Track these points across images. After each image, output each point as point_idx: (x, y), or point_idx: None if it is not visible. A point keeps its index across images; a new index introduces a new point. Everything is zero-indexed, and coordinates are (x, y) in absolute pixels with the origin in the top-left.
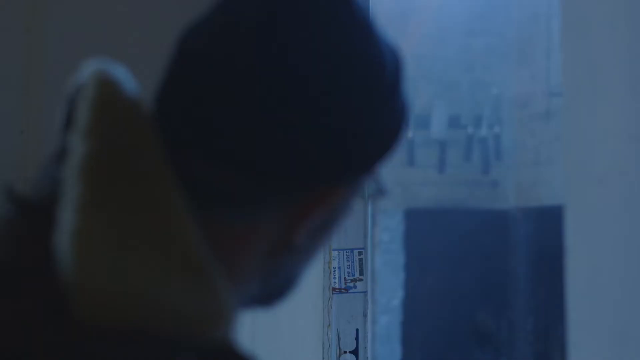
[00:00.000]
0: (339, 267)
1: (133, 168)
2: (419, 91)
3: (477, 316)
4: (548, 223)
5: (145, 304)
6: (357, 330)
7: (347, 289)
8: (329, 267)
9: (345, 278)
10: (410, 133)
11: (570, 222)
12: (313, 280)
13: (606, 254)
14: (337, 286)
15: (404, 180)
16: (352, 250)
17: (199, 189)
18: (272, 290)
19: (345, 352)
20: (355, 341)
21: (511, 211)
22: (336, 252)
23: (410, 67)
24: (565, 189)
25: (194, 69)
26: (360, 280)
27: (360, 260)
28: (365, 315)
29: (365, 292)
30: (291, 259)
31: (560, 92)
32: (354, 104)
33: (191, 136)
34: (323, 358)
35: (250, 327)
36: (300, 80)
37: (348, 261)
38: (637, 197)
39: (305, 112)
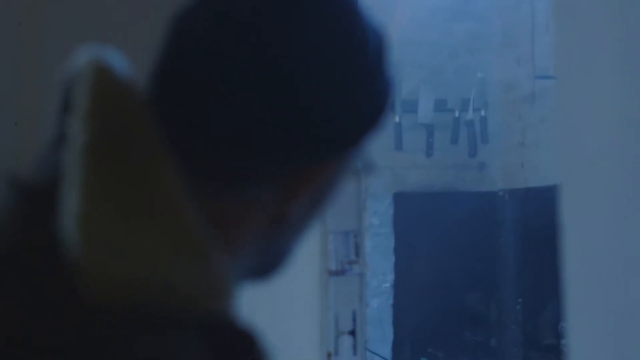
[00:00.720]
0: (335, 250)
1: (132, 151)
2: (405, 76)
3: (466, 298)
4: (535, 204)
5: (149, 284)
6: (354, 311)
7: (343, 272)
8: (325, 250)
9: (341, 261)
10: (397, 118)
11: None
12: (309, 263)
13: (601, 233)
14: (333, 269)
15: (393, 165)
16: (347, 232)
17: (196, 167)
18: (267, 262)
19: (343, 333)
20: (352, 322)
21: (498, 193)
22: (332, 235)
23: (396, 53)
24: (559, 169)
25: (188, 50)
26: (356, 262)
27: (356, 242)
28: (361, 297)
29: (361, 274)
30: (285, 232)
31: (545, 75)
32: (340, 80)
33: (187, 116)
34: (322, 339)
35: (248, 311)
36: (288, 59)
37: (344, 244)
38: (630, 177)
39: (295, 89)
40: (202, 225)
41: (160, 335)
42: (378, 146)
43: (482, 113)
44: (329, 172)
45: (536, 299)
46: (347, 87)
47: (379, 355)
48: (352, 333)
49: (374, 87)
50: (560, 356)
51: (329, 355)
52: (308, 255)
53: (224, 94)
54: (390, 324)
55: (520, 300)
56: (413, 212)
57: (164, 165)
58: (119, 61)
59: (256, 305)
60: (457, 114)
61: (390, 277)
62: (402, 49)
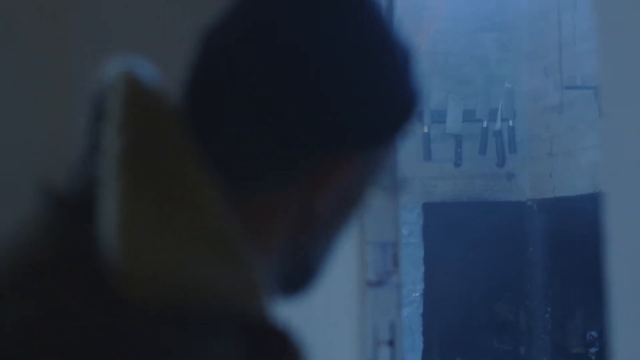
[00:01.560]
0: (373, 261)
1: (166, 159)
2: (434, 87)
3: (495, 307)
4: (563, 214)
5: (186, 286)
6: (391, 321)
7: (381, 282)
8: (364, 260)
9: (379, 271)
10: (426, 128)
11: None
12: (348, 273)
13: None
14: (372, 279)
15: (421, 175)
16: (385, 243)
17: (225, 167)
18: (300, 268)
19: (381, 343)
20: (390, 332)
21: (527, 203)
22: (369, 246)
23: (424, 64)
24: (603, 177)
25: (218, 54)
26: (394, 273)
27: (393, 253)
28: (398, 307)
29: (398, 285)
30: (315, 232)
31: (573, 85)
32: (368, 77)
33: (217, 117)
34: (360, 349)
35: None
36: (316, 55)
37: (381, 254)
38: None
39: (322, 83)
40: (236, 227)
41: (197, 336)
42: (407, 156)
43: (510, 123)
44: (355, 169)
45: (565, 307)
46: (375, 85)
47: None
48: (390, 343)
49: (401, 87)
50: None
51: None
52: (347, 266)
53: (252, 87)
54: (419, 333)
55: (549, 309)
56: (442, 222)
57: (198, 171)
58: (149, 71)
59: (296, 315)
60: (485, 124)
61: (420, 286)
62: (430, 60)
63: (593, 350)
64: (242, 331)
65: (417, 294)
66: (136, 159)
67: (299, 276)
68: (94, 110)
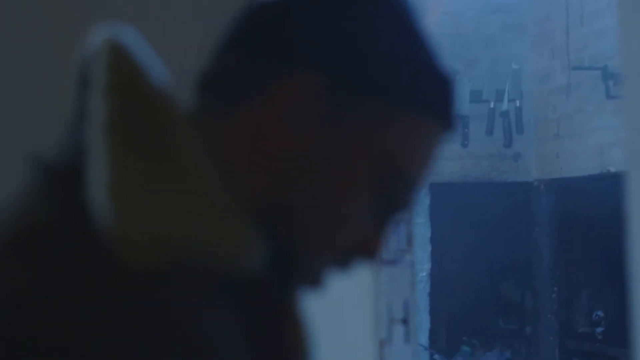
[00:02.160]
0: (388, 239)
1: (152, 122)
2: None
3: (501, 287)
4: (570, 195)
5: (178, 245)
6: (405, 300)
7: (395, 260)
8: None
9: (394, 250)
10: None
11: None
12: None
13: None
14: (386, 258)
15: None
16: (400, 223)
17: (204, 91)
18: (285, 250)
19: (395, 321)
20: (404, 311)
21: (534, 183)
22: None
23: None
24: (625, 157)
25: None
26: (408, 251)
27: (407, 231)
28: (412, 286)
29: (412, 263)
30: (289, 173)
31: (580, 66)
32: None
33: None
34: (375, 327)
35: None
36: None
37: (395, 233)
38: None
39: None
40: (223, 185)
41: (192, 294)
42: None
43: (517, 104)
44: (313, 95)
45: (571, 287)
46: (376, 28)
47: (418, 344)
48: (404, 321)
49: (404, 48)
50: (596, 344)
51: (381, 343)
52: None
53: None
54: (427, 312)
55: (555, 289)
56: (449, 202)
57: (184, 133)
58: (134, 38)
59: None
60: (492, 105)
61: (427, 266)
62: (437, 42)
63: (599, 329)
64: (236, 287)
65: (424, 274)
66: (122, 123)
67: (284, 259)
68: (80, 77)
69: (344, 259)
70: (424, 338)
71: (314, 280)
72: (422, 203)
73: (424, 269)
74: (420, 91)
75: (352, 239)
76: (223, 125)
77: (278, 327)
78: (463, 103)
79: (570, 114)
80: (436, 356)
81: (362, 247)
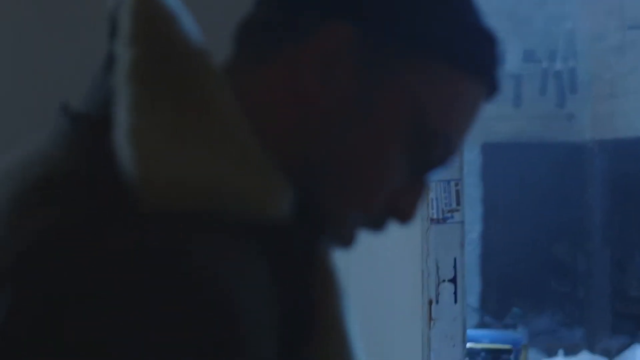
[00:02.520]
0: (436, 198)
1: (176, 66)
2: (493, 27)
3: (553, 249)
4: (624, 155)
5: (203, 189)
6: (454, 259)
7: (444, 219)
8: (426, 197)
9: (442, 209)
10: None
11: None
12: None
13: None
14: (435, 217)
15: (480, 115)
16: (448, 181)
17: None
18: (311, 201)
19: (444, 280)
20: (453, 270)
21: (587, 144)
22: (433, 183)
23: (482, 4)
24: None
25: None
26: (457, 210)
27: (457, 190)
28: (462, 245)
29: (462, 222)
30: (320, 124)
31: (636, 25)
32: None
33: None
34: (423, 287)
35: (348, 259)
36: None
37: (445, 192)
38: None
39: None
40: (252, 133)
41: (217, 238)
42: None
43: (571, 63)
44: (355, 53)
45: (624, 250)
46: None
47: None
48: (453, 281)
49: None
50: None
51: (430, 302)
52: None
53: None
54: (477, 274)
55: (607, 251)
56: (501, 162)
57: (209, 77)
58: None
59: (357, 252)
60: (545, 65)
61: (478, 227)
62: (487, 0)
63: None
64: (263, 235)
65: (475, 235)
66: (145, 69)
67: (315, 212)
68: (110, 26)
69: (377, 218)
70: (474, 299)
71: (347, 238)
72: (474, 163)
73: (474, 229)
74: (461, 48)
75: (384, 196)
76: (255, 74)
77: (306, 278)
78: (515, 62)
79: (624, 74)
80: (486, 317)
81: (396, 207)
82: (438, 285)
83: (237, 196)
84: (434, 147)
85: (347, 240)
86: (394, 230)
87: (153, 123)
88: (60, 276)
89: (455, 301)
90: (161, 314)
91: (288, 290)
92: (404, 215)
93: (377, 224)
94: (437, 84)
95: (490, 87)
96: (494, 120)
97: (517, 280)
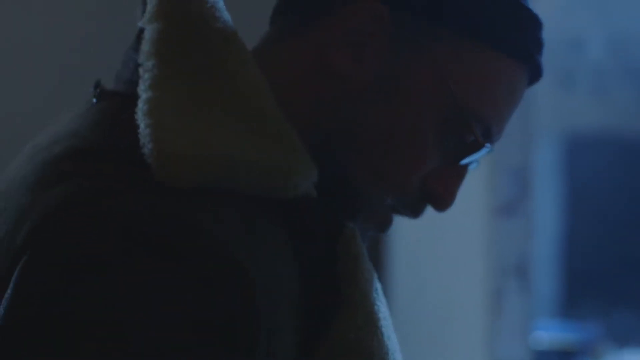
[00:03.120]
0: (505, 188)
1: (203, 42)
2: (575, 15)
3: (633, 245)
4: None
5: (223, 164)
6: (522, 251)
7: (512, 210)
8: (493, 187)
9: (511, 199)
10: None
11: None
12: (477, 200)
13: None
14: (502, 206)
15: (561, 106)
16: (516, 170)
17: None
18: (339, 176)
19: (510, 272)
20: (520, 262)
21: None
22: (501, 172)
23: None
24: None
25: None
26: (526, 200)
27: (526, 181)
28: (529, 237)
29: (529, 213)
30: (352, 102)
31: None
32: None
33: None
34: (488, 278)
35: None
36: None
37: (513, 182)
38: None
39: None
40: (275, 107)
41: (237, 212)
42: (545, 85)
43: None
44: (388, 24)
45: None
46: None
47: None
48: (520, 272)
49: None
50: None
51: (495, 294)
52: (475, 192)
53: None
54: (553, 266)
55: None
56: (583, 156)
57: (233, 53)
58: None
59: (421, 243)
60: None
61: (557, 221)
62: None
63: None
64: (284, 208)
65: (554, 229)
66: (167, 43)
67: (346, 191)
68: (141, 5)
69: (413, 203)
70: (548, 292)
71: (382, 221)
72: (552, 152)
73: (554, 224)
74: (498, 28)
75: (418, 178)
76: (284, 49)
77: (330, 256)
78: (600, 52)
79: None
80: (561, 311)
81: (433, 191)
82: (504, 276)
83: (256, 172)
84: (468, 129)
85: (382, 224)
86: (459, 220)
87: (171, 96)
88: (77, 244)
89: (522, 293)
90: (177, 286)
91: (311, 268)
92: (441, 201)
93: (413, 209)
94: (470, 63)
95: (533, 71)
96: (575, 112)
97: (593, 274)
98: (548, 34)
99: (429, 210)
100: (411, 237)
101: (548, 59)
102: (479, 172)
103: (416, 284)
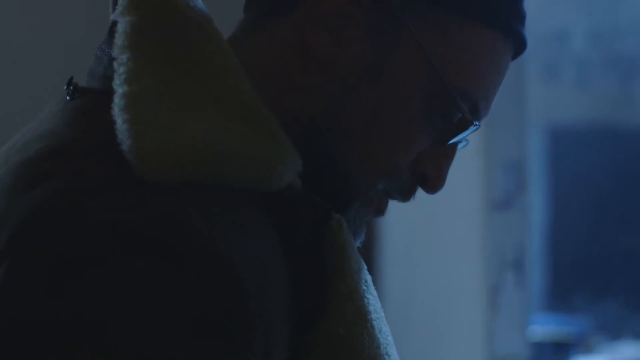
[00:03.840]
0: (500, 182)
1: (179, 33)
2: (558, 8)
3: (621, 235)
4: None
5: (208, 156)
6: (518, 244)
7: (508, 203)
8: (489, 181)
9: (506, 192)
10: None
11: None
12: (473, 194)
13: None
14: (498, 200)
15: (546, 97)
16: (511, 164)
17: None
18: (322, 162)
19: (507, 266)
20: (516, 255)
21: None
22: (496, 166)
23: None
24: None
25: None
26: (521, 194)
27: (521, 174)
28: (525, 229)
29: (525, 206)
30: (329, 96)
31: None
32: None
33: None
34: (485, 272)
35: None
36: None
37: (509, 175)
38: None
39: None
40: (256, 97)
41: (221, 205)
42: (530, 76)
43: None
44: (358, 12)
45: None
46: None
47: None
48: (517, 266)
49: None
50: None
51: (492, 288)
52: (472, 186)
53: None
54: (541, 259)
55: None
56: (567, 147)
57: (208, 43)
58: None
59: (417, 237)
60: (612, 45)
61: (544, 212)
62: None
63: None
64: (269, 200)
65: (540, 220)
66: (141, 35)
67: (336, 180)
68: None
69: (404, 185)
70: (537, 285)
71: (376, 206)
72: (538, 144)
73: (540, 215)
74: (480, 2)
75: (408, 160)
76: (263, 34)
77: (318, 249)
78: (581, 43)
79: None
80: (550, 303)
81: (423, 173)
82: (501, 270)
83: (240, 163)
84: (455, 107)
85: (377, 209)
86: (456, 214)
87: (147, 90)
88: (60, 245)
89: (519, 286)
90: (168, 283)
91: (300, 261)
92: (432, 183)
93: (404, 193)
94: (452, 39)
95: (516, 43)
96: (559, 104)
97: (582, 266)
98: (531, 27)
99: (425, 207)
100: (406, 232)
101: (532, 51)
102: (474, 167)
103: (411, 280)
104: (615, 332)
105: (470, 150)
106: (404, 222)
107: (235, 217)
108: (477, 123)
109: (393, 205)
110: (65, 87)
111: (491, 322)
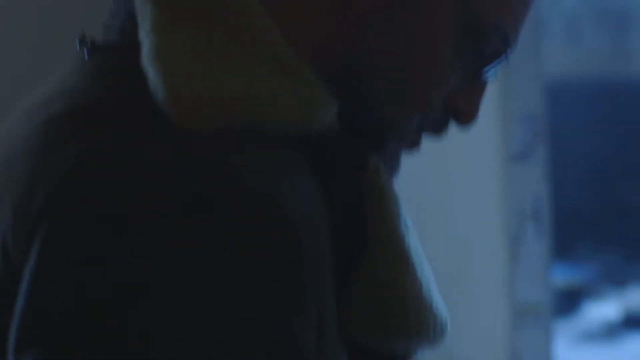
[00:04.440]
0: (518, 133)
1: None
2: None
3: (619, 191)
4: None
5: (247, 102)
6: (538, 195)
7: (526, 155)
8: (507, 133)
9: (524, 144)
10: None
11: None
12: (491, 147)
13: None
14: (516, 152)
15: (540, 51)
16: (529, 116)
17: None
18: (357, 107)
19: (527, 217)
20: (535, 207)
21: None
22: (514, 118)
23: None
24: None
25: None
26: (540, 146)
27: (538, 125)
28: (544, 181)
29: (544, 158)
30: (363, 26)
31: None
32: None
33: None
34: (505, 224)
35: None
36: None
37: (527, 127)
38: None
39: None
40: (284, 40)
41: (260, 152)
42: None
43: None
44: None
45: None
46: None
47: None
48: (536, 217)
49: None
50: None
51: (513, 240)
52: (489, 139)
53: None
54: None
55: None
56: (563, 100)
57: None
58: None
59: (435, 190)
60: None
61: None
62: None
63: None
64: (306, 145)
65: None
66: None
67: (371, 120)
68: None
69: (438, 120)
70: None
71: (411, 141)
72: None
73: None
74: None
75: (441, 96)
76: None
77: (356, 192)
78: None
79: None
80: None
81: (456, 107)
82: (521, 222)
83: (274, 109)
84: (486, 41)
85: (413, 145)
86: (474, 168)
87: (177, 40)
88: (106, 205)
89: (539, 238)
90: (209, 235)
91: (339, 205)
92: (465, 116)
93: (438, 127)
94: None
95: None
96: (553, 57)
97: (583, 220)
98: None
99: (444, 161)
100: (424, 186)
101: None
102: (492, 121)
103: (430, 234)
104: (620, 279)
105: (487, 104)
106: (422, 177)
107: (280, 165)
108: (509, 54)
109: (411, 161)
110: (79, 44)
111: (512, 273)
